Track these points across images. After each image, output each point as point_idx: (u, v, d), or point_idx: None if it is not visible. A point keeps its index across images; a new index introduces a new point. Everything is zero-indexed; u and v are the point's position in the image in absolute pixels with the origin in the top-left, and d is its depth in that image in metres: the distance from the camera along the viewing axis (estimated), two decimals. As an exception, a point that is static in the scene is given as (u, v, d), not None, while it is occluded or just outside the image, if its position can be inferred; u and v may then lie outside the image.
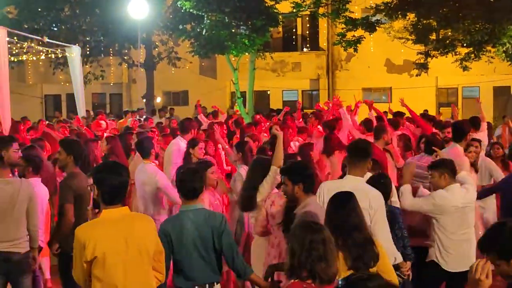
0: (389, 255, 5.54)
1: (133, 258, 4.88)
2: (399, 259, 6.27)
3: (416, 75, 27.32)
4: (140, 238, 4.94)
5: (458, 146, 9.22)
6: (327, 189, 6.13)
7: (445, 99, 32.59)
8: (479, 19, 23.59)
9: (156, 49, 31.49)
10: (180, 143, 10.98)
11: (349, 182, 6.19)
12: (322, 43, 33.27)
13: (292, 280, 4.26)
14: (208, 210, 6.11)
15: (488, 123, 15.56)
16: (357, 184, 6.14)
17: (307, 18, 32.22)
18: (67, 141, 8.37)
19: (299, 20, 32.04)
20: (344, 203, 5.17)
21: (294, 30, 33.33)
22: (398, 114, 15.38)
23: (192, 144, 10.05)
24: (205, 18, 24.70)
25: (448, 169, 7.18)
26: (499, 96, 31.28)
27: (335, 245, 4.44)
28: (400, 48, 29.57)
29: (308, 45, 33.94)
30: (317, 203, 5.99)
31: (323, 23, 32.55)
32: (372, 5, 25.92)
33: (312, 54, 33.40)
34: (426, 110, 21.56)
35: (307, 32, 33.89)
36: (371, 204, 5.93)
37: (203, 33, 24.93)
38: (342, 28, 26.44)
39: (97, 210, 7.04)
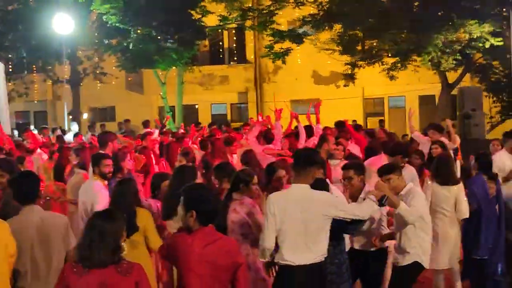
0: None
1: None
2: None
3: (344, 86, 27.61)
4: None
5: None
6: (275, 199, 6.04)
7: (371, 109, 33.02)
8: (404, 29, 24.00)
9: (81, 65, 30.88)
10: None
11: (295, 191, 6.10)
12: (249, 55, 33.26)
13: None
14: None
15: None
16: (303, 192, 6.06)
17: (234, 31, 32.19)
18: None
19: (225, 33, 32.04)
20: None
21: (220, 43, 33.23)
22: (340, 124, 15.32)
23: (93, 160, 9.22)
24: (132, 32, 24.39)
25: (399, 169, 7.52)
26: (425, 105, 31.82)
27: None
28: (327, 59, 29.87)
29: (235, 58, 33.83)
30: None
31: (249, 36, 32.58)
32: (299, 17, 26.00)
33: (240, 67, 33.36)
34: (355, 121, 21.80)
35: (234, 45, 33.83)
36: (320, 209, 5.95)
37: (130, 47, 24.60)
38: (270, 41, 26.53)
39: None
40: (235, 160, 12.16)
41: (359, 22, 23.99)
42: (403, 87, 30.07)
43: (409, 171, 9.44)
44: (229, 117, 32.56)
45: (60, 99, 33.01)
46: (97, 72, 31.01)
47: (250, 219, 6.86)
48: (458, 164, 10.82)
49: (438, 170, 8.50)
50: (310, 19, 25.42)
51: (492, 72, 26.84)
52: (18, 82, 29.77)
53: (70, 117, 28.33)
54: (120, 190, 7.10)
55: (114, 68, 27.92)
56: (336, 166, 10.15)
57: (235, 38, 33.51)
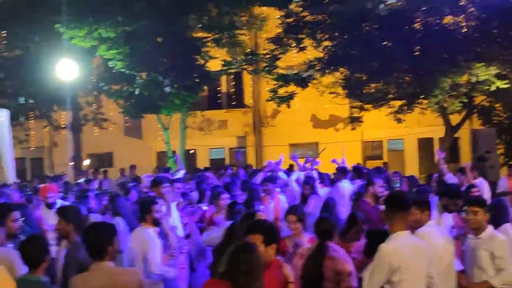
0: None
1: None
2: None
3: (352, 129, 27.70)
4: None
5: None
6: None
7: (370, 152, 33.05)
8: (407, 72, 24.18)
9: (82, 111, 30.64)
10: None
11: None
12: (248, 100, 33.27)
13: None
14: None
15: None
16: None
17: (232, 76, 32.18)
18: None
19: (223, 77, 31.99)
20: None
21: (218, 88, 33.18)
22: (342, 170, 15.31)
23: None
24: (137, 78, 24.28)
25: None
26: (423, 148, 31.94)
27: None
28: (326, 103, 29.97)
29: (233, 103, 33.77)
30: None
31: (247, 80, 32.63)
32: (305, 60, 26.09)
33: (238, 111, 33.30)
34: (358, 163, 21.92)
35: (232, 89, 33.81)
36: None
37: (136, 93, 24.47)
38: (274, 85, 26.55)
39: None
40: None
41: (364, 65, 24.09)
42: (401, 130, 30.16)
43: None
44: (227, 161, 32.38)
45: (57, 145, 32.73)
46: (98, 118, 30.76)
47: None
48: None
49: None
50: (315, 62, 25.50)
51: (494, 114, 27.06)
52: (18, 129, 29.38)
53: (71, 163, 28.01)
54: None
55: (113, 114, 27.73)
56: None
57: (233, 82, 33.50)
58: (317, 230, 7.14)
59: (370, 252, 6.69)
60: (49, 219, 10.51)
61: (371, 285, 5.92)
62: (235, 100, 33.70)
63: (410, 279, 5.80)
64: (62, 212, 7.84)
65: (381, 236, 6.63)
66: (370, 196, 10.53)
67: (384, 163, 26.88)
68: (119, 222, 9.97)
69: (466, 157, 29.52)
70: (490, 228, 7.20)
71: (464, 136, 30.13)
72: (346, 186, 13.91)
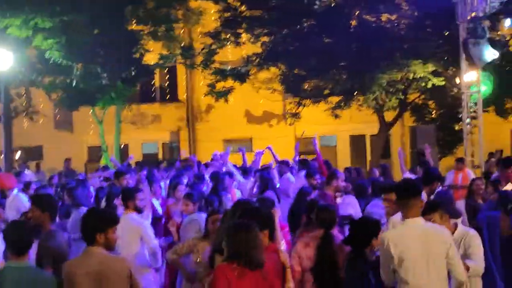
0: None
1: None
2: None
3: (290, 125, 27.82)
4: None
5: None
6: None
7: (304, 148, 33.20)
8: (346, 68, 24.45)
9: (13, 103, 29.74)
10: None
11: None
12: (182, 94, 33.01)
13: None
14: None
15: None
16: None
17: (166, 70, 31.85)
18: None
19: (157, 71, 31.62)
20: None
21: (152, 82, 32.75)
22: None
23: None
24: (75, 70, 23.76)
25: None
26: (356, 144, 32.38)
27: None
28: (260, 98, 30.05)
29: (167, 97, 33.43)
30: None
31: (181, 74, 32.36)
32: (243, 56, 26.07)
33: (172, 105, 32.98)
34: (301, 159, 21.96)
35: (166, 83, 33.44)
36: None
37: (73, 85, 23.94)
38: (212, 79, 26.43)
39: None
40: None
41: (302, 61, 24.22)
42: (334, 127, 30.44)
43: None
44: (160, 156, 32.06)
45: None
46: (30, 110, 29.97)
47: None
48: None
49: None
50: (254, 57, 25.50)
51: (427, 112, 27.66)
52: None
53: (1, 156, 27.17)
54: None
55: (44, 106, 27.07)
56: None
57: (167, 76, 33.15)
58: (320, 219, 7.15)
59: (351, 241, 6.74)
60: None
61: (384, 275, 5.97)
62: (169, 94, 33.36)
63: (414, 262, 5.83)
64: (36, 200, 7.63)
65: (364, 225, 6.70)
66: (331, 189, 10.56)
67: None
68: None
69: (396, 154, 30.00)
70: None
71: (395, 133, 30.71)
72: (291, 178, 14.10)
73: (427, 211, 6.47)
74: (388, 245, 5.90)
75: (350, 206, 10.14)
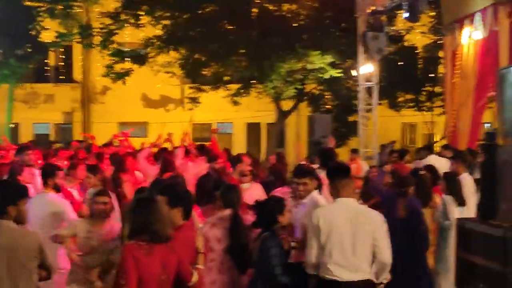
0: None
1: None
2: None
3: (189, 109, 27.72)
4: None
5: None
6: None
7: (200, 134, 33.23)
8: (245, 55, 24.58)
9: None
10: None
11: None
12: (77, 75, 32.29)
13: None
14: None
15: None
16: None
17: (61, 50, 31.05)
18: None
19: (52, 51, 30.82)
20: None
21: (46, 60, 31.84)
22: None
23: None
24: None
25: None
26: (252, 132, 32.67)
27: None
28: (157, 82, 29.84)
29: (62, 77, 32.59)
30: None
31: (77, 55, 31.67)
32: (143, 38, 25.72)
33: (67, 86, 32.21)
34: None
35: (61, 63, 32.61)
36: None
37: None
38: (110, 60, 25.96)
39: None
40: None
41: (203, 46, 24.17)
42: (231, 114, 30.61)
43: None
44: (52, 137, 31.27)
45: None
46: None
47: None
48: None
49: None
50: (155, 40, 25.22)
51: (323, 102, 28.20)
52: None
53: None
54: None
55: None
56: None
57: (62, 56, 32.33)
58: (226, 199, 7.13)
59: (259, 222, 6.78)
60: None
61: (311, 252, 6.04)
62: (64, 74, 32.55)
63: (341, 238, 5.96)
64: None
65: (268, 204, 6.77)
66: (236, 173, 10.53)
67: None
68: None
69: (290, 142, 30.55)
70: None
71: (290, 122, 31.18)
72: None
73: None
74: (318, 219, 6.00)
75: (255, 193, 10.16)
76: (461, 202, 9.40)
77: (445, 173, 10.30)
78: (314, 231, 6.01)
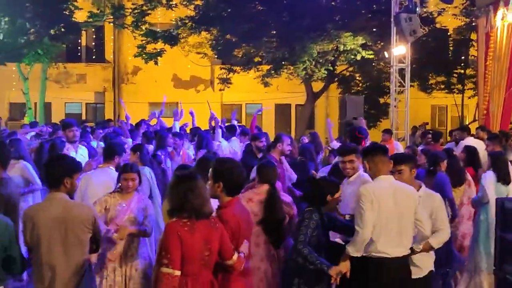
0: None
1: None
2: None
3: (220, 90, 27.82)
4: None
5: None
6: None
7: (229, 115, 33.31)
8: (276, 37, 24.61)
9: None
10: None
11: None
12: (108, 55, 32.54)
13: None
14: None
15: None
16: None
17: (93, 29, 31.30)
18: None
19: (83, 30, 31.02)
20: None
21: (78, 40, 32.10)
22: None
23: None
24: (2, 23, 23.09)
25: None
26: (281, 113, 32.70)
27: None
28: (188, 63, 29.99)
29: (93, 57, 32.85)
30: None
31: (109, 35, 31.90)
32: (177, 18, 25.84)
33: (98, 66, 32.47)
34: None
35: (93, 43, 32.88)
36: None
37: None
38: (142, 40, 26.15)
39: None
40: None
41: (235, 27, 24.19)
42: (260, 95, 30.62)
43: None
44: (83, 117, 31.59)
45: None
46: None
47: None
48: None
49: None
50: (187, 21, 25.34)
51: (354, 84, 28.19)
52: None
53: None
54: None
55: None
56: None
57: (94, 36, 32.58)
58: (262, 174, 7.26)
59: (307, 198, 6.82)
60: None
61: (365, 225, 6.07)
62: (96, 54, 32.82)
63: (387, 216, 6.07)
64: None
65: (323, 183, 6.82)
66: (277, 152, 10.61)
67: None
68: (27, 165, 9.62)
69: (320, 124, 30.59)
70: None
71: (320, 104, 31.19)
72: (236, 143, 14.12)
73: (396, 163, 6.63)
74: (372, 194, 6.05)
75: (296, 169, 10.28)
76: (506, 180, 9.27)
77: (491, 152, 10.37)
78: (372, 205, 6.06)
